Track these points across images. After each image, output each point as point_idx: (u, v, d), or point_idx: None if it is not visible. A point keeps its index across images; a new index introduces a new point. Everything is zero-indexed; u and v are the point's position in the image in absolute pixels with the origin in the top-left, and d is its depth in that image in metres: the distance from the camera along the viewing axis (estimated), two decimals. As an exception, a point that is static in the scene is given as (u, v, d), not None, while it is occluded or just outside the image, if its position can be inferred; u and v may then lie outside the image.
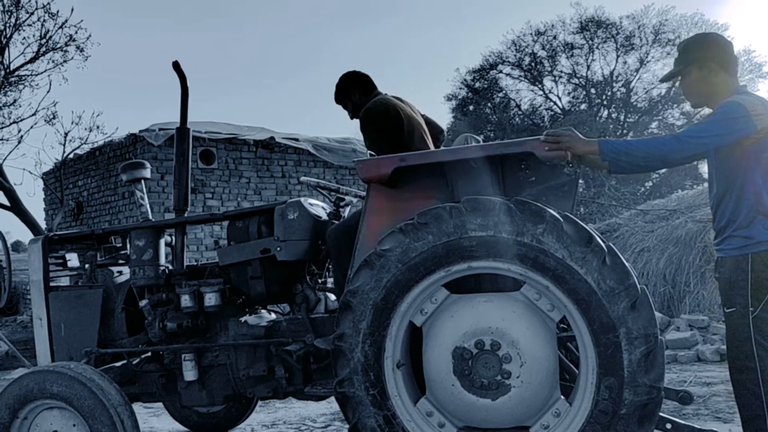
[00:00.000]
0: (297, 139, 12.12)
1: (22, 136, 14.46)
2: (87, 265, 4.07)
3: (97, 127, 14.58)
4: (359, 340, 2.92)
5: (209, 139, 11.15)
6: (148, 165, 4.19)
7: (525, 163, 3.03)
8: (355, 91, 3.89)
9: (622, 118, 27.77)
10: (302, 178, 4.00)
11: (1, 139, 14.32)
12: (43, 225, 14.30)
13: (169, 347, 3.69)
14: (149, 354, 3.81)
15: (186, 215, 3.88)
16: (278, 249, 3.50)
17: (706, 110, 3.02)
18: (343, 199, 3.83)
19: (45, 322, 3.92)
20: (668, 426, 2.98)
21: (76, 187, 13.30)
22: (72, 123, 15.20)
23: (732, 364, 2.80)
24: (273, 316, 3.96)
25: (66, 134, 14.28)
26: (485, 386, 2.83)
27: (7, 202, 14.48)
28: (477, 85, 29.74)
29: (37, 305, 3.95)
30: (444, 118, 31.41)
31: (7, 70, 13.98)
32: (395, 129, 3.61)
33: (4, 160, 14.33)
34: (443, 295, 2.95)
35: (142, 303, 3.79)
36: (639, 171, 3.06)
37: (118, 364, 3.79)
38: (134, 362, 3.81)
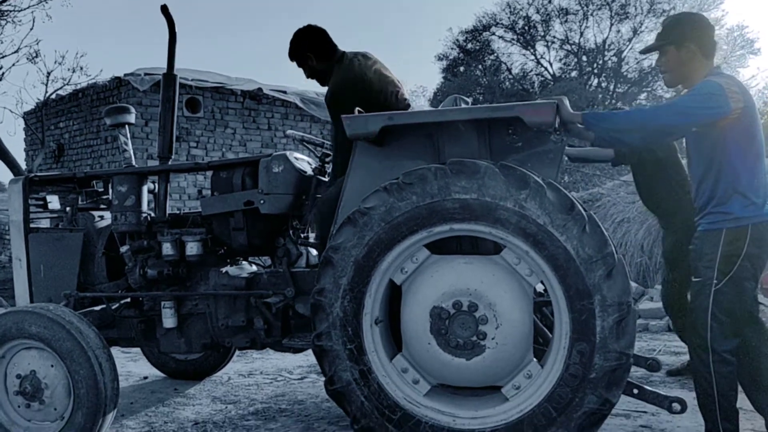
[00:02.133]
0: (285, 92, 11.98)
1: (3, 74, 14.23)
2: (68, 208, 4.06)
3: (81, 68, 14.40)
4: (339, 296, 2.95)
5: (196, 87, 10.98)
6: (132, 110, 4.15)
7: (512, 128, 3.03)
8: (310, 54, 3.66)
9: (611, 87, 27.73)
10: (288, 132, 3.97)
11: (-18, 76, 14.06)
12: (23, 165, 14.11)
13: (148, 294, 3.70)
14: (129, 299, 3.82)
15: (170, 163, 3.85)
16: (261, 201, 3.50)
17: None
18: (329, 155, 3.79)
19: (24, 263, 3.92)
20: (635, 391, 3.06)
21: (58, 128, 13.08)
22: (55, 62, 14.97)
23: (688, 328, 2.97)
24: (254, 268, 3.97)
25: (48, 74, 14.06)
26: (460, 346, 2.88)
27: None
28: (469, 46, 29.47)
29: (16, 246, 3.94)
30: (434, 79, 31.08)
31: (-11, 5, 13.61)
32: (370, 105, 3.39)
33: (-15, 96, 14.09)
34: (424, 255, 2.98)
35: (123, 249, 3.80)
36: (620, 144, 3.18)
37: (98, 308, 3.80)
38: (113, 307, 3.81)
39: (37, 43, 16.40)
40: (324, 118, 12.26)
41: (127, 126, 4.09)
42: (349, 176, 3.22)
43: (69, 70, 14.57)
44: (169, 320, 3.64)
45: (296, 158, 3.66)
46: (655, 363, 3.58)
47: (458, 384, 3.05)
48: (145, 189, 3.85)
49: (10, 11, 14.05)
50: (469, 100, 3.77)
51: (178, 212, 4.04)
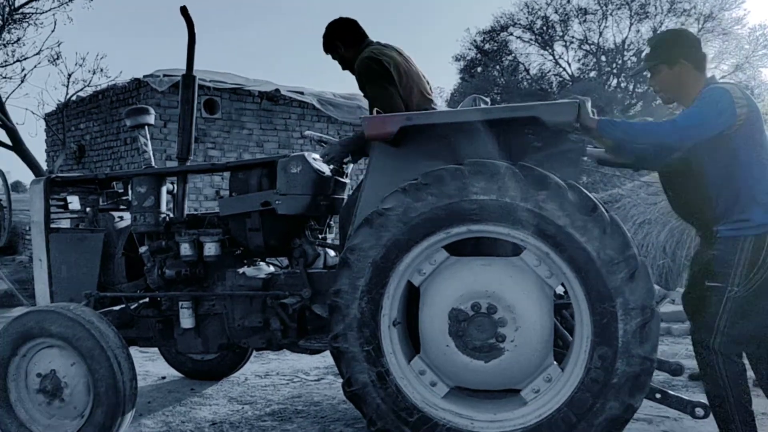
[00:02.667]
0: (302, 93, 12.00)
1: (25, 75, 14.41)
2: (89, 209, 4.10)
3: (101, 70, 14.53)
4: (356, 297, 2.93)
5: (214, 89, 11.03)
6: (152, 111, 4.17)
7: (530, 128, 2.99)
8: (339, 43, 3.71)
9: (631, 87, 27.46)
10: (306, 132, 3.95)
11: (5, 77, 14.26)
12: (44, 166, 14.26)
13: (166, 294, 3.70)
14: (147, 299, 3.83)
15: (188, 164, 3.86)
16: (278, 202, 3.49)
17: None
18: (347, 155, 3.78)
19: (45, 263, 3.94)
20: (658, 396, 3.02)
21: (78, 129, 13.21)
22: (76, 64, 15.15)
23: (696, 331, 2.93)
24: (272, 268, 3.96)
25: (69, 75, 14.18)
26: (479, 348, 2.86)
27: (9, 142, 14.43)
28: (486, 46, 29.34)
29: (37, 246, 3.97)
30: (451, 79, 30.98)
31: (12, 7, 13.78)
32: (386, 79, 3.46)
33: (7, 98, 14.27)
34: (442, 257, 2.96)
35: (142, 249, 3.82)
36: (632, 155, 3.17)
37: (117, 308, 3.82)
38: (132, 307, 3.82)
39: (59, 45, 16.53)
40: (341, 118, 12.27)
41: (146, 127, 4.13)
42: (366, 177, 3.20)
43: (89, 71, 14.66)
44: (186, 320, 3.65)
45: (314, 159, 3.64)
46: (678, 367, 3.49)
47: (476, 387, 3.01)
48: (164, 190, 3.87)
49: (32, 14, 14.24)
50: (488, 100, 3.73)
51: (196, 213, 4.04)
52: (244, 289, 3.63)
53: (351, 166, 3.93)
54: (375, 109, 3.41)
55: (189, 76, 3.81)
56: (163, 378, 4.97)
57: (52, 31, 15.77)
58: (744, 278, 2.75)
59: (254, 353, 5.18)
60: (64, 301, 3.76)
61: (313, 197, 3.54)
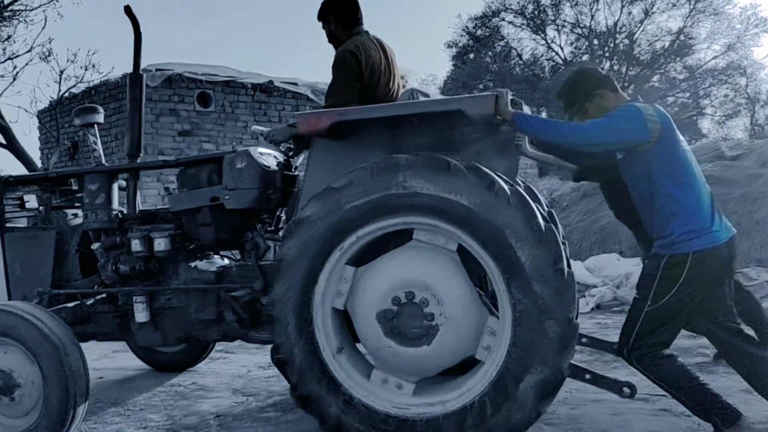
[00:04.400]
0: (296, 84, 11.98)
1: (17, 73, 14.38)
2: (41, 207, 4.12)
3: (93, 66, 14.52)
4: (294, 342, 3.04)
5: (206, 82, 11.01)
6: (101, 110, 4.19)
7: (465, 120, 3.04)
8: (332, 17, 3.70)
9: (624, 70, 27.49)
10: (253, 127, 3.94)
11: (-3, 76, 14.20)
12: (39, 164, 14.24)
13: (121, 290, 3.76)
14: (104, 295, 3.87)
15: (139, 161, 3.91)
16: (226, 197, 3.54)
17: None
18: (291, 149, 3.81)
19: (1, 262, 3.99)
20: (587, 377, 3.08)
21: (72, 126, 13.16)
22: (67, 61, 15.10)
23: (621, 335, 3.05)
24: (225, 261, 4.03)
25: (61, 72, 14.20)
26: (418, 335, 2.93)
27: (2, 140, 14.40)
28: (478, 32, 29.29)
29: None
30: (444, 66, 30.94)
31: (1, 5, 13.72)
32: (355, 79, 3.49)
33: (0, 96, 14.21)
34: (351, 272, 3.05)
35: (95, 246, 3.84)
36: (551, 153, 3.45)
37: (71, 304, 3.83)
38: (89, 303, 3.85)
39: (50, 42, 16.48)
40: (335, 109, 12.27)
41: (95, 125, 4.15)
42: (307, 170, 3.27)
43: (81, 67, 14.74)
44: (141, 314, 3.69)
45: (261, 153, 3.67)
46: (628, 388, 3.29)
47: (437, 371, 3.06)
48: (115, 187, 3.90)
49: (22, 11, 14.19)
50: (429, 93, 3.72)
51: (149, 209, 4.10)
52: (198, 282, 3.69)
53: (301, 158, 3.93)
54: (328, 96, 3.50)
55: (135, 74, 3.84)
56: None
57: (43, 28, 15.75)
58: (661, 295, 2.87)
59: (258, 345, 5.21)
60: (20, 299, 3.80)
61: (260, 191, 3.56)
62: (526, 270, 2.76)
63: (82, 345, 3.41)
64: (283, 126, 3.63)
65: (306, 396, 3.04)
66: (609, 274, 7.81)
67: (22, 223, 4.20)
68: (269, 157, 3.75)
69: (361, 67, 3.48)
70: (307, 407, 3.06)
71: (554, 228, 2.84)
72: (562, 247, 2.82)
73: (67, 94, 13.63)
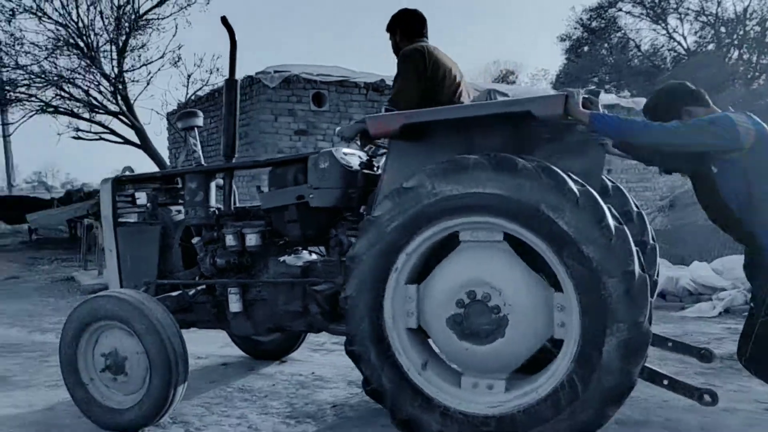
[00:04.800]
0: (406, 82, 12.09)
1: (150, 78, 15.41)
2: (149, 204, 4.47)
3: (217, 69, 15.25)
4: (379, 370, 3.12)
5: (321, 82, 11.33)
6: (200, 114, 4.49)
7: (536, 120, 3.02)
8: (398, 30, 3.92)
9: (754, 59, 25.63)
10: (338, 129, 4.03)
11: (133, 81, 15.32)
12: (168, 162, 15.22)
13: (216, 281, 4.04)
14: (203, 286, 4.16)
15: (234, 161, 4.16)
16: (311, 196, 3.71)
17: None
18: (374, 149, 3.95)
19: (114, 254, 4.39)
20: (665, 382, 3.01)
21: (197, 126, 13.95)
22: (194, 65, 16.00)
23: (739, 344, 3.03)
24: (314, 257, 4.20)
25: (189, 76, 15.04)
26: (490, 331, 2.96)
27: (137, 141, 15.51)
28: (593, 24, 28.30)
29: (107, 238, 4.43)
30: (556, 60, 30.12)
31: (137, 14, 14.75)
32: (420, 76, 3.64)
33: (135, 100, 15.33)
34: (413, 290, 3.11)
35: (195, 240, 4.17)
36: (633, 150, 3.28)
37: (174, 294, 4.15)
38: (191, 293, 4.15)
39: (179, 48, 17.54)
40: (446, 106, 12.28)
41: (195, 129, 4.44)
42: (386, 170, 3.38)
43: (207, 71, 15.57)
44: (235, 305, 3.94)
45: (345, 154, 3.81)
46: (707, 353, 3.49)
47: (520, 361, 3.04)
48: (213, 185, 4.20)
49: (155, 19, 15.19)
50: (507, 93, 3.64)
51: (244, 206, 4.34)
52: (285, 276, 3.90)
53: (384, 158, 3.97)
54: (392, 93, 3.61)
55: (231, 80, 4.11)
56: (284, 362, 5.19)
57: (174, 35, 16.75)
58: None
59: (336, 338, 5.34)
60: (131, 287, 4.15)
61: (342, 190, 3.70)
62: (593, 270, 2.73)
63: (190, 333, 3.75)
64: (353, 123, 3.76)
65: (405, 420, 3.10)
66: (740, 276, 7.35)
67: (132, 218, 4.56)
68: (352, 157, 3.88)
69: (425, 65, 3.63)
70: (408, 430, 3.11)
71: (626, 230, 2.78)
72: (634, 249, 2.75)
73: (193, 97, 14.45)
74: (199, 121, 4.45)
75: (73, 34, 14.46)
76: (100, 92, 14.99)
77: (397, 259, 3.07)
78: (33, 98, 15.11)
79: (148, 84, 15.41)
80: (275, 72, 10.99)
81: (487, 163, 2.89)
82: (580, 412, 2.79)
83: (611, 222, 2.74)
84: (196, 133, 4.45)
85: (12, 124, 16.00)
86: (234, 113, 4.11)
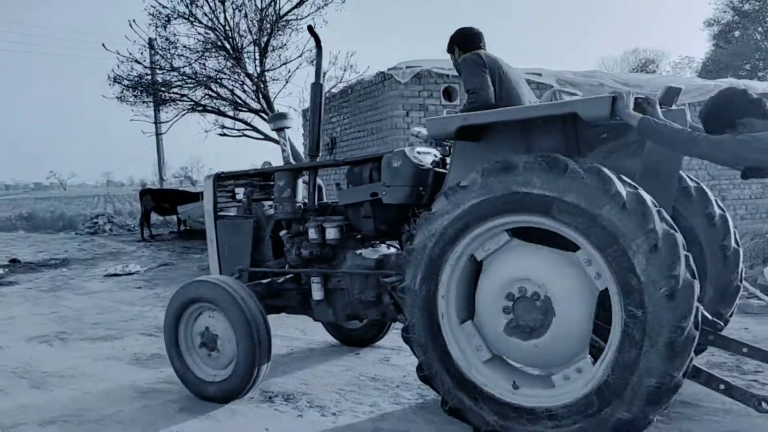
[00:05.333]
0: (540, 74, 11.83)
1: (289, 77, 16.19)
2: (244, 199, 4.90)
3: (351, 66, 15.80)
4: (428, 247, 3.30)
5: (452, 76, 11.35)
6: (290, 116, 4.85)
7: (583, 122, 3.08)
8: (457, 47, 4.07)
9: None
10: (412, 129, 4.28)
11: (273, 80, 16.16)
12: (303, 158, 15.85)
13: (300, 270, 4.46)
14: (290, 275, 4.56)
15: (318, 160, 4.52)
16: (383, 193, 3.98)
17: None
18: (448, 147, 4.10)
19: (214, 243, 4.92)
20: (722, 387, 3.00)
21: (330, 123, 14.44)
22: (329, 63, 16.54)
23: None
24: (391, 250, 4.47)
25: (324, 74, 15.56)
26: (522, 327, 3.13)
27: (276, 137, 16.31)
28: (746, 7, 26.20)
29: (209, 229, 4.97)
30: (702, 47, 28.27)
31: (278, 16, 15.51)
32: (486, 73, 3.74)
33: (275, 98, 16.13)
34: (505, 239, 3.22)
35: (282, 233, 4.59)
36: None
37: (265, 281, 4.56)
38: (280, 281, 4.55)
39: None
40: (582, 97, 11.89)
41: (285, 130, 4.76)
42: (451, 169, 3.59)
43: (341, 69, 16.08)
44: (317, 293, 4.33)
45: (418, 153, 4.03)
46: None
47: (514, 360, 3.30)
48: (300, 182, 4.57)
49: (294, 20, 15.90)
50: (577, 92, 3.74)
51: (327, 202, 4.67)
52: (361, 268, 4.20)
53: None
54: (468, 94, 3.73)
55: (317, 84, 4.46)
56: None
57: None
58: None
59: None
60: (228, 274, 4.64)
61: (413, 188, 3.93)
62: (637, 275, 2.77)
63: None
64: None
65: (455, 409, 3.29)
66: None
67: (233, 211, 5.04)
68: (427, 156, 4.09)
69: (485, 65, 3.74)
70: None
71: (676, 235, 2.79)
72: (682, 254, 2.76)
73: (327, 94, 14.96)
74: (289, 122, 4.79)
75: (221, 37, 15.42)
76: (244, 91, 15.92)
77: (451, 253, 3.25)
78: (184, 98, 16.30)
79: (287, 82, 16.26)
80: (407, 67, 11.14)
81: (536, 164, 2.98)
82: (621, 411, 2.85)
83: (659, 226, 2.77)
84: (286, 133, 4.80)
85: (165, 122, 17.38)
86: (319, 115, 4.44)
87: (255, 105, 15.98)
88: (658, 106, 3.33)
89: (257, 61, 15.73)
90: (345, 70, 15.65)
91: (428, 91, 11.22)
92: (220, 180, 4.98)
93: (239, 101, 15.91)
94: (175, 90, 16.26)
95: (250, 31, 15.58)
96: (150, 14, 15.49)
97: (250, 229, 4.75)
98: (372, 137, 12.46)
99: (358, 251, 4.31)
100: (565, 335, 3.04)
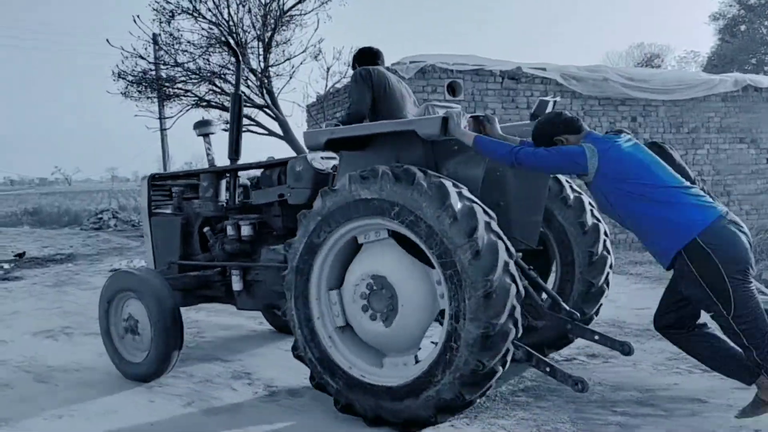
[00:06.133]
0: (545, 69, 11.80)
1: (293, 72, 16.15)
2: (175, 197, 5.38)
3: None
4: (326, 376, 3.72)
5: (456, 71, 11.32)
6: (215, 122, 5.48)
7: (420, 139, 3.56)
8: (357, 64, 4.49)
9: None
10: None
11: (277, 75, 16.13)
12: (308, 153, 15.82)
13: (219, 264, 4.90)
14: (216, 268, 4.96)
15: (238, 163, 5.00)
16: (289, 194, 4.41)
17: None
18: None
19: (149, 238, 5.43)
20: (547, 369, 3.46)
21: (334, 118, 14.43)
22: (333, 58, 16.58)
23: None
24: None
25: (328, 69, 15.59)
26: (371, 311, 3.58)
27: (280, 132, 16.31)
28: (751, 1, 26.04)
29: (144, 226, 5.52)
30: (707, 42, 28.16)
31: (282, 11, 15.49)
32: (367, 92, 4.14)
33: (278, 93, 16.11)
34: (335, 295, 3.75)
35: (205, 229, 5.06)
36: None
37: (192, 273, 4.98)
38: (207, 273, 4.94)
39: (320, 42, 18.14)
40: (586, 92, 11.87)
41: (209, 135, 5.29)
42: (339, 173, 4.00)
43: (345, 64, 16.01)
44: (237, 284, 4.69)
45: (322, 158, 4.45)
46: (628, 347, 4.00)
47: (423, 331, 3.61)
48: (222, 183, 5.06)
49: (298, 15, 15.86)
50: (456, 106, 4.04)
51: (248, 201, 5.07)
52: (273, 261, 4.49)
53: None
54: (348, 106, 4.13)
55: (236, 94, 4.95)
56: None
57: (315, 29, 17.38)
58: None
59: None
60: (161, 266, 5.19)
61: (313, 190, 4.21)
62: (460, 276, 3.18)
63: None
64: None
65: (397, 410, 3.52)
66: None
67: (169, 209, 5.51)
68: (329, 161, 4.48)
69: (372, 82, 4.15)
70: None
71: (497, 243, 3.22)
72: (501, 260, 3.19)
73: (331, 89, 14.94)
74: (213, 128, 5.34)
75: (224, 32, 15.39)
76: (248, 87, 15.88)
77: (323, 246, 3.67)
78: (189, 93, 16.30)
79: (290, 78, 16.19)
80: (410, 62, 11.10)
81: (390, 174, 3.38)
82: (443, 393, 3.29)
83: (483, 235, 3.19)
84: (210, 139, 5.33)
85: (170, 118, 17.37)
86: (238, 122, 4.94)
87: (259, 100, 15.96)
88: (496, 123, 3.87)
89: (261, 57, 15.72)
90: (348, 66, 15.59)
91: (432, 87, 11.18)
92: (155, 180, 5.49)
93: (243, 97, 15.89)
94: (180, 85, 16.25)
95: (254, 27, 15.56)
96: (154, 10, 15.48)
97: (179, 225, 5.21)
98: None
99: (273, 246, 4.62)
100: (402, 331, 3.51)
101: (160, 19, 15.64)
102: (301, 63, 17.25)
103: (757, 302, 3.10)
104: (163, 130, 18.80)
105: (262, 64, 15.67)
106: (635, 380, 4.31)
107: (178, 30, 15.91)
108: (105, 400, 4.32)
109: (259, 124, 16.69)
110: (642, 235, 3.29)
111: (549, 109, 4.16)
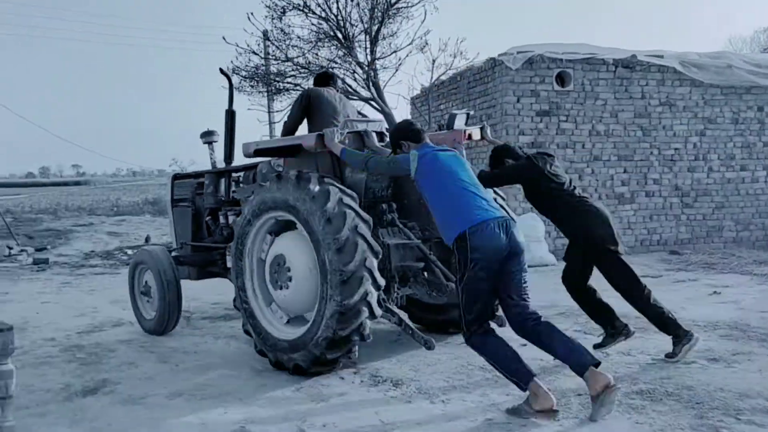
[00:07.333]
0: (662, 56, 11.20)
1: (399, 65, 16.20)
2: (189, 192, 6.70)
3: (461, 53, 15.44)
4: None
5: (566, 60, 10.96)
6: (217, 132, 6.53)
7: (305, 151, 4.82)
8: (315, 85, 5.72)
9: None
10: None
11: (383, 68, 16.23)
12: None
13: (211, 245, 6.14)
14: (218, 248, 6.06)
15: (234, 164, 6.31)
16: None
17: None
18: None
19: (172, 224, 6.94)
20: (401, 327, 4.70)
21: (439, 110, 14.39)
22: (439, 50, 16.42)
23: None
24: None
25: (434, 61, 15.46)
26: (277, 282, 4.70)
27: (386, 124, 16.41)
28: None
29: (168, 214, 7.06)
30: None
31: (389, 4, 15.58)
32: (301, 111, 5.39)
33: (385, 86, 16.21)
34: (269, 239, 4.93)
35: (207, 218, 6.35)
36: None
37: (198, 253, 6.33)
38: (212, 252, 6.12)
39: (426, 34, 18.08)
40: (707, 80, 11.18)
41: (213, 143, 6.54)
42: None
43: (450, 55, 15.76)
44: (229, 262, 5.43)
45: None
46: (430, 344, 4.56)
47: (285, 308, 4.87)
48: (222, 181, 6.26)
49: (404, 7, 15.87)
50: (378, 119, 5.56)
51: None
52: None
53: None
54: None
55: (229, 110, 6.29)
56: (524, 345, 5.30)
57: (422, 21, 17.29)
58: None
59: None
60: (179, 245, 6.56)
61: None
62: (324, 263, 4.31)
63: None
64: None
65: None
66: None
67: (186, 201, 6.80)
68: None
69: (309, 102, 5.36)
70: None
71: (358, 240, 4.29)
72: (360, 248, 4.26)
73: (436, 81, 14.87)
74: (216, 137, 6.53)
75: (333, 27, 15.67)
76: (355, 80, 16.09)
77: (251, 230, 4.87)
78: (297, 87, 16.74)
79: (396, 70, 16.21)
80: (518, 53, 10.86)
81: (290, 179, 4.50)
82: (313, 350, 4.39)
83: (348, 234, 4.23)
84: (213, 146, 6.59)
85: (279, 111, 17.94)
86: (232, 132, 6.23)
87: (365, 93, 16.12)
88: (374, 136, 5.01)
89: (368, 50, 15.87)
90: (455, 57, 15.44)
91: (540, 77, 10.88)
92: (177, 179, 6.99)
93: (351, 90, 16.13)
94: (289, 80, 16.71)
95: (362, 20, 15.72)
96: (267, 6, 15.97)
97: (189, 214, 6.58)
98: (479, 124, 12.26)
99: None
100: (298, 296, 4.62)
101: (272, 16, 16.14)
102: (407, 55, 17.12)
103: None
104: (272, 123, 19.42)
105: (368, 57, 15.83)
106: (763, 388, 4.03)
107: (289, 26, 16.36)
108: (221, 382, 4.53)
109: (364, 117, 16.84)
110: (436, 220, 4.07)
111: (460, 122, 5.05)
